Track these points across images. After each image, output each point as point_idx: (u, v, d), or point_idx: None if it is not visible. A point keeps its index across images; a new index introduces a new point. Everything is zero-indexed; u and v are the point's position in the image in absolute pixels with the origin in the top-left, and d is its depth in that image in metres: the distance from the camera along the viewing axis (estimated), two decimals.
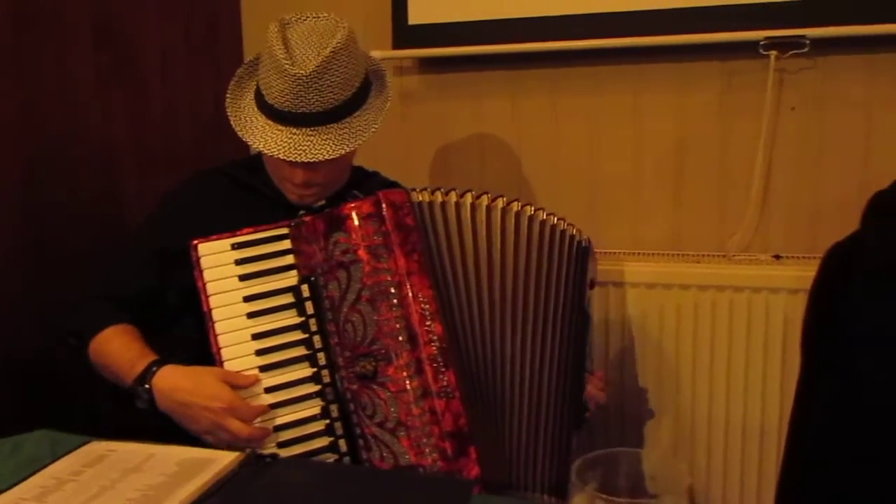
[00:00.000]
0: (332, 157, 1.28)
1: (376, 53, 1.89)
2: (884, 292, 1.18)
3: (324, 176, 1.36)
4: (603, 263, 1.83)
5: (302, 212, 1.35)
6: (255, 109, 1.34)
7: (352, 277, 1.21)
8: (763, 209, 1.81)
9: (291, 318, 1.24)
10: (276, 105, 1.29)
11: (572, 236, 1.35)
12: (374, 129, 1.34)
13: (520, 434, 1.26)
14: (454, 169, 2.04)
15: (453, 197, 1.28)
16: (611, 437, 1.89)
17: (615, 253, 1.90)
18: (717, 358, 1.77)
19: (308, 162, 1.29)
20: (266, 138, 1.30)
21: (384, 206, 1.22)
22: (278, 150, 1.28)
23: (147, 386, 1.21)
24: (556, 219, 1.34)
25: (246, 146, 1.37)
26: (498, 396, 1.24)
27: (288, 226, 1.28)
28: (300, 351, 1.23)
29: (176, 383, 1.20)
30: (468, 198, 1.29)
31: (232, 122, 1.36)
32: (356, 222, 1.22)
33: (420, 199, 1.26)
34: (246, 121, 1.34)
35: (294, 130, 1.29)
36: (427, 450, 1.15)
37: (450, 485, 1.06)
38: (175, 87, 1.99)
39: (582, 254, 1.36)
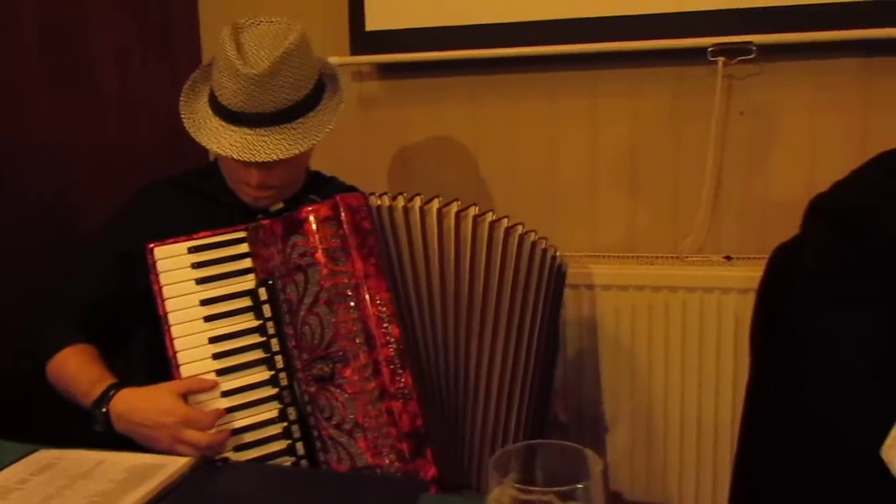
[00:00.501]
0: (285, 156, 1.29)
1: (334, 59, 1.89)
2: (819, 294, 1.21)
3: (279, 177, 1.37)
4: None
5: (260, 215, 1.35)
6: (209, 112, 1.35)
7: (309, 280, 1.21)
8: (714, 211, 1.86)
9: (249, 321, 1.24)
10: (229, 106, 1.30)
11: (553, 257, 1.40)
12: (328, 130, 1.35)
13: (483, 437, 1.27)
14: (413, 174, 2.06)
15: (417, 202, 1.30)
16: (568, 437, 1.91)
17: (572, 255, 1.93)
18: (671, 357, 1.81)
19: (263, 162, 1.29)
20: (219, 139, 1.30)
21: (342, 209, 1.23)
22: (232, 150, 1.29)
23: (104, 409, 1.21)
24: (535, 235, 1.38)
25: (204, 147, 1.38)
26: (460, 400, 1.25)
27: (246, 229, 1.29)
28: (258, 354, 1.23)
29: (132, 405, 1.20)
30: (434, 203, 1.31)
31: (185, 124, 1.36)
32: (314, 225, 1.23)
33: (378, 203, 1.28)
34: (200, 122, 1.35)
35: (247, 131, 1.29)
36: (384, 450, 1.16)
37: (402, 485, 1.07)
38: (131, 89, 1.98)
39: (560, 275, 1.41)
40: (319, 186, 1.52)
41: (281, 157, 1.29)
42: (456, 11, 1.89)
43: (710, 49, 1.73)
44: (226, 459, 1.07)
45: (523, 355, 1.32)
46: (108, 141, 1.92)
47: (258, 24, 1.34)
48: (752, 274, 1.44)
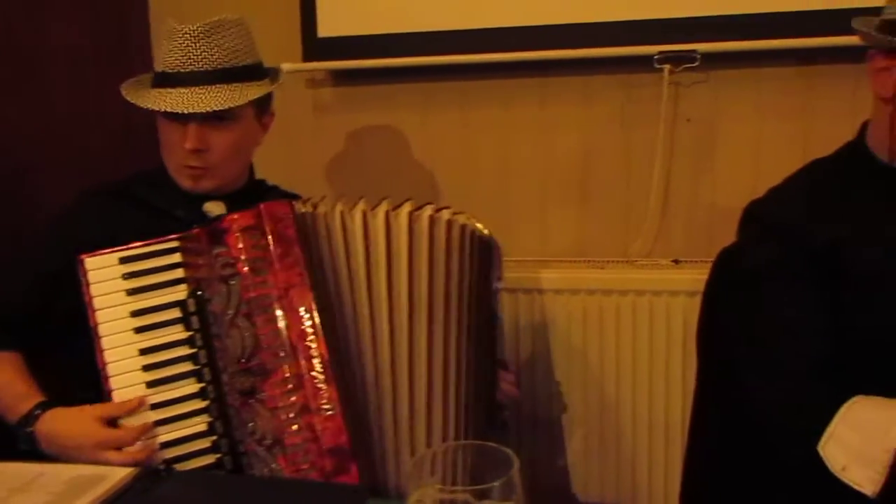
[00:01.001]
0: (220, 107, 1.33)
1: (287, 66, 1.90)
2: (756, 296, 1.25)
3: (216, 154, 1.39)
4: (513, 271, 1.88)
5: (195, 225, 1.31)
6: (148, 86, 1.40)
7: (232, 291, 1.19)
8: (663, 216, 1.90)
9: (179, 332, 1.22)
10: (166, 69, 1.35)
11: (473, 230, 1.29)
12: (261, 94, 1.41)
13: (428, 440, 1.22)
14: (367, 181, 2.06)
15: (338, 207, 1.25)
16: (523, 441, 1.94)
17: (525, 261, 1.95)
18: (622, 359, 1.84)
19: (199, 119, 1.33)
20: (156, 99, 1.34)
21: (265, 218, 1.21)
22: (166, 105, 1.32)
23: (30, 430, 1.20)
24: (451, 213, 1.27)
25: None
26: (396, 405, 1.21)
27: (177, 239, 1.26)
28: (187, 366, 1.21)
29: (54, 428, 1.20)
30: (360, 205, 1.26)
31: (124, 94, 1.41)
32: (236, 235, 1.21)
33: (304, 210, 1.24)
34: (141, 93, 1.39)
35: (183, 90, 1.34)
36: (304, 467, 1.13)
37: (343, 491, 1.06)
38: (83, 93, 1.96)
39: (483, 246, 1.31)
40: (262, 194, 1.51)
41: (215, 107, 1.32)
42: (409, 18, 1.91)
43: (656, 57, 1.77)
44: (170, 469, 1.06)
45: (459, 340, 1.25)
46: (58, 145, 1.90)
47: None
48: (699, 277, 1.47)
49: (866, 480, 1.02)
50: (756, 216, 1.31)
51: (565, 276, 1.87)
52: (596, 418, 1.88)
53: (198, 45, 1.34)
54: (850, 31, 1.62)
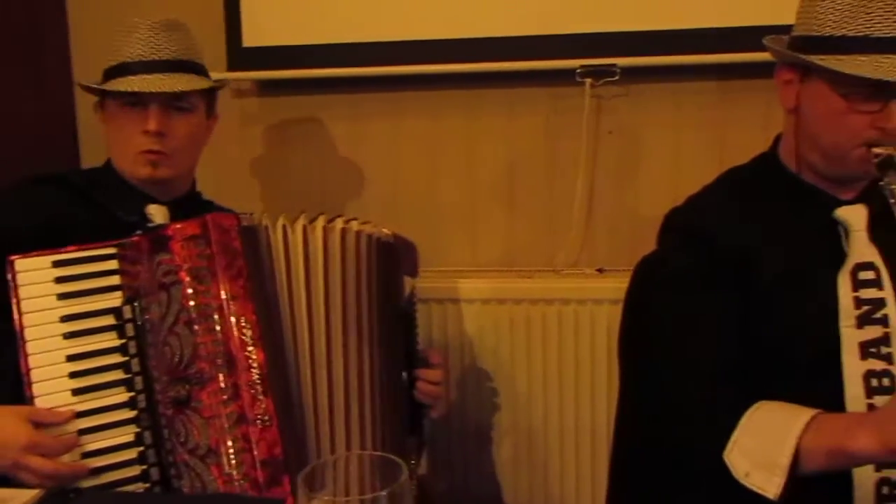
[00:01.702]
0: (187, 88, 1.40)
1: (212, 76, 1.88)
2: (671, 301, 1.29)
3: (176, 138, 1.42)
4: (442, 282, 1.90)
5: (139, 231, 1.30)
6: (105, 83, 1.44)
7: (172, 299, 1.19)
8: (587, 226, 1.94)
9: (111, 340, 1.21)
10: (127, 60, 1.40)
11: (370, 234, 1.34)
12: (221, 86, 1.54)
13: (349, 449, 1.24)
14: (295, 192, 2.05)
15: (281, 220, 1.28)
16: (453, 451, 1.95)
17: (453, 271, 1.97)
18: (549, 367, 1.87)
19: (162, 102, 1.38)
20: (124, 84, 1.39)
21: (211, 228, 1.21)
22: (135, 87, 1.37)
23: None
24: (359, 224, 1.34)
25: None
26: (322, 418, 1.23)
27: (116, 245, 1.25)
28: (117, 375, 1.19)
29: None
30: (301, 220, 1.29)
31: (83, 88, 1.49)
32: (179, 243, 1.20)
33: (250, 223, 1.26)
34: (100, 85, 1.44)
35: (146, 76, 1.39)
36: (237, 477, 1.13)
37: None
38: None
39: (383, 249, 1.35)
40: (202, 206, 1.53)
41: (181, 88, 1.39)
42: (336, 29, 1.91)
43: (578, 71, 1.81)
44: (78, 490, 1.03)
45: (371, 346, 1.29)
46: None
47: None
48: (622, 285, 1.51)
49: (768, 485, 1.05)
50: (674, 224, 1.36)
51: (493, 286, 1.89)
52: (524, 426, 1.90)
53: (159, 36, 1.42)
54: (763, 49, 1.70)
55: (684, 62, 1.79)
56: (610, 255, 1.93)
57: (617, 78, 1.80)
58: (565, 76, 1.83)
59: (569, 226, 1.93)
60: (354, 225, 1.32)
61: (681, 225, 1.33)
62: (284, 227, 1.27)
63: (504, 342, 1.88)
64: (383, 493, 0.57)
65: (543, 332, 1.86)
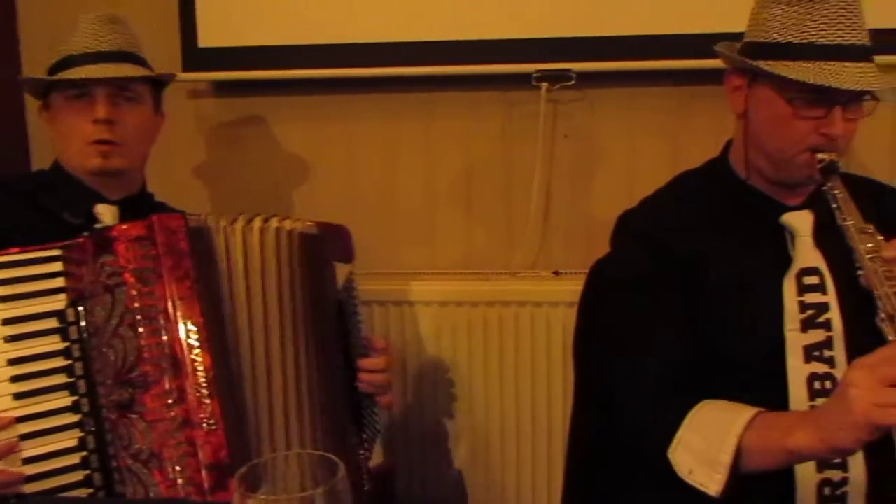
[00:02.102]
0: (135, 74, 1.42)
1: None
2: (621, 303, 1.31)
3: (126, 126, 1.42)
4: (399, 284, 1.91)
5: (86, 233, 1.28)
6: (50, 77, 1.43)
7: (116, 301, 1.17)
8: (544, 229, 1.95)
9: (54, 343, 1.19)
10: (74, 53, 1.41)
11: (290, 230, 1.31)
12: (168, 77, 1.55)
13: (289, 449, 1.23)
14: (251, 194, 2.04)
15: (222, 222, 1.27)
16: (411, 452, 1.95)
17: (411, 273, 1.97)
18: (505, 368, 1.88)
19: (106, 96, 1.38)
20: (72, 73, 1.39)
21: (157, 229, 1.20)
22: (83, 74, 1.37)
23: None
24: (279, 220, 1.30)
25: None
26: (265, 419, 1.23)
27: (61, 247, 1.23)
28: (61, 378, 1.18)
29: None
30: (256, 222, 1.28)
31: (27, 85, 1.53)
32: (124, 245, 1.19)
33: (198, 224, 1.25)
34: (50, 76, 1.43)
35: (93, 67, 1.40)
36: (180, 482, 1.12)
37: None
38: None
39: (306, 242, 1.32)
40: (153, 207, 1.52)
41: (129, 74, 1.41)
42: (293, 31, 1.90)
43: (534, 75, 1.83)
44: (21, 495, 1.01)
45: (307, 342, 1.28)
46: None
47: None
48: (578, 288, 1.53)
49: (710, 482, 1.07)
50: (627, 227, 1.38)
51: (451, 288, 1.90)
52: (481, 427, 1.91)
53: (103, 28, 1.43)
54: (715, 56, 1.73)
55: (639, 68, 1.81)
56: (566, 257, 1.95)
57: (573, 83, 1.82)
58: (522, 80, 1.85)
59: (525, 229, 1.94)
60: (274, 222, 1.29)
61: (633, 228, 1.36)
62: (225, 228, 1.26)
63: (461, 344, 1.89)
64: (319, 490, 0.57)
65: (500, 334, 1.87)
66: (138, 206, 1.46)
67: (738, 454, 1.06)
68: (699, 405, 1.14)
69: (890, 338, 1.02)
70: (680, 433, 1.12)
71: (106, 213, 1.40)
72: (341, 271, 1.40)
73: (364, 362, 1.39)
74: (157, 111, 1.54)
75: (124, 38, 1.46)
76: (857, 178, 1.41)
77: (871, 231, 1.12)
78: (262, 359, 1.24)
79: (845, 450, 0.99)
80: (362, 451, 1.38)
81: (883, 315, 1.04)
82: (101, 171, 1.42)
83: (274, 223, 1.29)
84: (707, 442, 1.09)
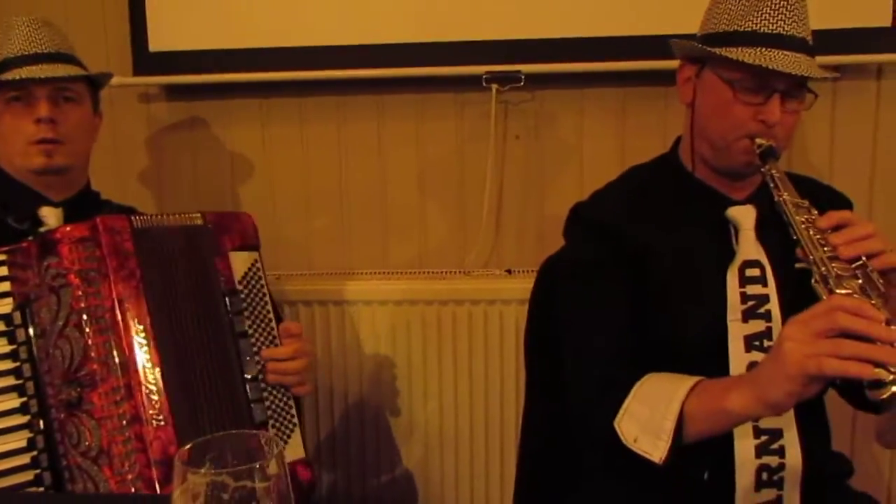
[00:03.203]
0: (72, 73, 1.43)
1: (116, 80, 1.86)
2: (574, 289, 1.35)
3: (67, 124, 1.43)
4: (354, 283, 1.93)
5: (30, 237, 1.30)
6: None
7: (62, 302, 1.18)
8: (496, 228, 1.99)
9: (1, 346, 1.20)
10: (10, 56, 1.42)
11: (178, 225, 1.33)
12: (105, 76, 1.55)
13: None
14: (204, 196, 2.04)
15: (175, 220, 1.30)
16: (367, 451, 1.97)
17: (366, 273, 1.99)
18: (459, 364, 1.91)
19: (46, 97, 1.39)
20: (15, 75, 1.40)
21: (101, 230, 1.21)
22: (23, 74, 1.38)
23: None
24: (178, 217, 1.34)
25: None
26: (214, 415, 1.25)
27: (6, 251, 1.24)
28: (9, 381, 1.19)
29: None
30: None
31: None
32: (67, 246, 1.20)
33: (143, 224, 1.26)
34: None
35: (31, 68, 1.41)
36: (130, 477, 1.13)
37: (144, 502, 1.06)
38: None
39: (188, 234, 1.33)
40: (97, 206, 1.51)
41: (65, 73, 1.41)
42: (243, 34, 1.91)
43: (484, 76, 1.86)
44: None
45: (216, 335, 1.31)
46: None
47: None
48: (530, 286, 1.56)
49: (654, 449, 1.10)
50: (579, 217, 1.41)
51: (406, 287, 1.92)
52: (435, 423, 1.93)
53: (39, 31, 1.45)
54: (662, 57, 1.78)
55: (587, 69, 1.86)
56: (518, 256, 1.99)
57: (522, 84, 1.85)
58: (472, 82, 1.88)
59: (478, 228, 1.97)
60: (158, 218, 1.32)
61: (585, 218, 1.39)
62: (169, 228, 1.31)
63: (416, 341, 1.91)
64: (255, 464, 0.60)
65: (454, 332, 1.90)
66: (83, 206, 1.46)
67: (681, 420, 1.09)
68: (645, 377, 1.18)
69: (823, 297, 1.04)
70: (626, 403, 1.16)
71: (50, 216, 1.40)
72: (239, 259, 1.37)
73: (266, 352, 1.35)
74: (95, 111, 1.55)
75: (59, 40, 1.48)
76: (797, 176, 1.46)
77: (805, 205, 1.16)
78: (194, 354, 1.26)
79: (779, 404, 1.01)
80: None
81: (817, 277, 1.07)
82: (45, 169, 1.42)
83: (163, 219, 1.32)
84: (651, 410, 1.12)
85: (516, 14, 1.85)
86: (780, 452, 1.20)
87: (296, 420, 1.38)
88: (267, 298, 1.41)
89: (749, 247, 1.29)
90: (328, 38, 1.90)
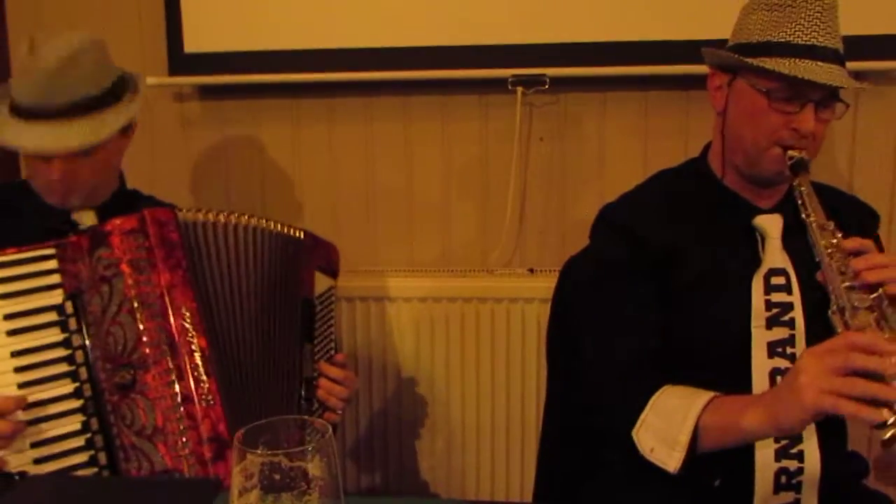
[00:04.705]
0: (80, 146, 1.34)
1: (153, 80, 1.92)
2: (597, 291, 1.37)
3: (83, 175, 1.40)
4: (380, 281, 1.97)
5: (70, 233, 1.35)
6: (7, 114, 1.38)
7: (114, 290, 1.24)
8: (520, 228, 2.02)
9: (54, 335, 1.25)
10: (24, 104, 1.34)
11: (279, 233, 1.41)
12: (124, 123, 1.41)
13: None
14: (235, 194, 2.10)
15: (221, 217, 1.36)
16: (390, 445, 2.01)
17: (392, 271, 2.03)
18: (482, 362, 1.95)
19: (63, 156, 1.33)
20: (16, 134, 1.34)
21: (148, 222, 1.27)
22: (27, 142, 1.33)
23: None
24: (275, 224, 1.41)
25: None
26: (258, 400, 1.31)
27: (54, 245, 1.29)
28: (62, 367, 1.24)
29: None
30: (232, 218, 1.37)
31: None
32: (118, 237, 1.26)
33: (187, 217, 1.32)
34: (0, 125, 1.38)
35: (42, 125, 1.33)
36: (184, 454, 1.19)
37: (198, 486, 1.11)
38: None
39: (292, 246, 1.43)
40: (137, 202, 1.55)
41: (76, 146, 1.33)
42: (275, 36, 1.96)
43: (509, 80, 1.90)
44: (23, 473, 1.07)
45: (283, 336, 1.38)
46: None
47: (56, 35, 1.37)
48: (552, 285, 1.60)
49: (669, 459, 1.15)
50: (607, 219, 1.43)
51: (430, 284, 1.97)
52: (457, 418, 1.98)
53: (54, 81, 1.32)
54: (683, 61, 1.81)
55: (610, 73, 1.89)
56: (540, 255, 2.02)
57: (546, 87, 1.89)
58: (497, 85, 1.92)
59: (501, 228, 2.01)
60: (259, 221, 1.39)
61: (612, 221, 1.41)
62: (214, 223, 1.35)
63: (439, 338, 1.95)
64: (308, 447, 0.64)
65: (477, 329, 1.94)
66: (117, 206, 1.47)
67: (696, 433, 1.14)
68: (661, 390, 1.21)
69: (839, 329, 1.09)
70: (643, 415, 1.20)
71: (84, 217, 1.45)
72: (321, 281, 1.49)
73: (324, 364, 1.44)
74: (123, 133, 1.48)
75: (81, 84, 1.35)
76: (821, 188, 1.44)
77: (831, 228, 1.19)
78: (242, 343, 1.32)
79: (792, 429, 1.07)
80: None
81: (834, 308, 1.11)
82: (62, 206, 1.44)
83: (258, 223, 1.39)
84: (668, 423, 1.17)
85: (541, 18, 1.89)
86: (799, 457, 1.22)
87: None
88: (333, 323, 1.50)
89: (775, 255, 1.30)
90: (357, 41, 1.94)
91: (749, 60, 1.26)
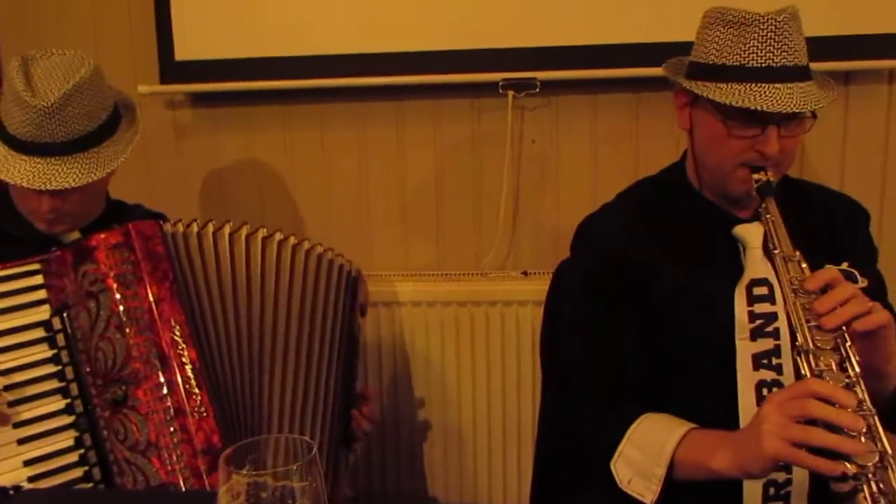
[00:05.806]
0: (77, 185, 1.31)
1: (144, 88, 1.93)
2: (579, 315, 1.37)
3: (73, 206, 1.38)
4: (374, 285, 1.96)
5: (54, 247, 1.34)
6: None
7: (101, 306, 1.24)
8: (513, 231, 2.03)
9: (42, 352, 1.25)
10: (18, 136, 1.31)
11: (342, 266, 1.47)
12: (122, 160, 1.38)
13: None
14: (229, 202, 2.10)
15: (210, 228, 1.36)
16: (387, 450, 2.02)
17: (385, 275, 2.04)
18: (477, 365, 1.95)
19: (54, 190, 1.31)
20: (9, 168, 1.31)
21: (133, 235, 1.27)
22: (22, 178, 1.30)
23: None
24: (322, 248, 1.45)
25: None
26: (258, 417, 1.30)
27: (39, 261, 1.29)
28: (52, 384, 1.24)
29: None
30: (226, 228, 1.37)
31: None
32: (104, 253, 1.26)
33: (172, 230, 1.32)
34: None
35: (38, 160, 1.31)
36: (178, 467, 1.19)
37: (194, 499, 1.11)
38: None
39: (352, 283, 1.48)
40: (122, 213, 1.54)
41: (72, 185, 1.31)
42: (266, 43, 1.96)
43: (500, 83, 1.90)
44: (18, 487, 1.07)
45: (321, 366, 1.39)
46: None
47: (49, 57, 1.35)
48: (545, 287, 1.60)
49: (647, 492, 1.16)
50: (584, 236, 1.43)
51: (423, 288, 1.97)
52: (453, 424, 1.98)
53: (53, 118, 1.29)
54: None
55: (601, 76, 1.89)
56: (534, 258, 2.03)
57: (537, 90, 1.89)
58: (489, 88, 1.92)
59: (495, 231, 2.01)
60: (319, 249, 1.46)
61: (589, 239, 1.41)
62: (214, 233, 1.35)
63: (434, 342, 1.96)
64: (293, 467, 0.65)
65: (471, 333, 1.94)
66: (104, 220, 1.47)
67: (671, 467, 1.14)
68: (639, 420, 1.21)
69: (803, 372, 1.05)
70: (621, 447, 1.20)
71: (69, 234, 1.44)
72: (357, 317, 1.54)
73: (366, 409, 1.50)
74: None
75: (78, 121, 1.32)
76: (811, 186, 1.45)
77: (796, 259, 1.14)
78: (267, 357, 1.33)
79: (757, 475, 1.08)
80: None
81: (799, 349, 1.07)
82: (49, 233, 1.42)
83: (316, 248, 1.46)
84: (644, 456, 1.17)
85: (532, 23, 1.89)
86: (787, 468, 1.21)
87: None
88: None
89: (756, 265, 1.28)
90: (348, 47, 1.95)
91: (703, 89, 1.22)
